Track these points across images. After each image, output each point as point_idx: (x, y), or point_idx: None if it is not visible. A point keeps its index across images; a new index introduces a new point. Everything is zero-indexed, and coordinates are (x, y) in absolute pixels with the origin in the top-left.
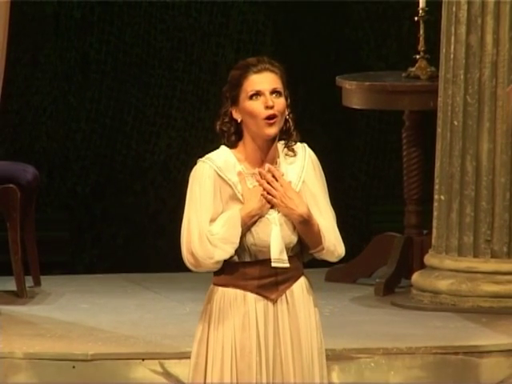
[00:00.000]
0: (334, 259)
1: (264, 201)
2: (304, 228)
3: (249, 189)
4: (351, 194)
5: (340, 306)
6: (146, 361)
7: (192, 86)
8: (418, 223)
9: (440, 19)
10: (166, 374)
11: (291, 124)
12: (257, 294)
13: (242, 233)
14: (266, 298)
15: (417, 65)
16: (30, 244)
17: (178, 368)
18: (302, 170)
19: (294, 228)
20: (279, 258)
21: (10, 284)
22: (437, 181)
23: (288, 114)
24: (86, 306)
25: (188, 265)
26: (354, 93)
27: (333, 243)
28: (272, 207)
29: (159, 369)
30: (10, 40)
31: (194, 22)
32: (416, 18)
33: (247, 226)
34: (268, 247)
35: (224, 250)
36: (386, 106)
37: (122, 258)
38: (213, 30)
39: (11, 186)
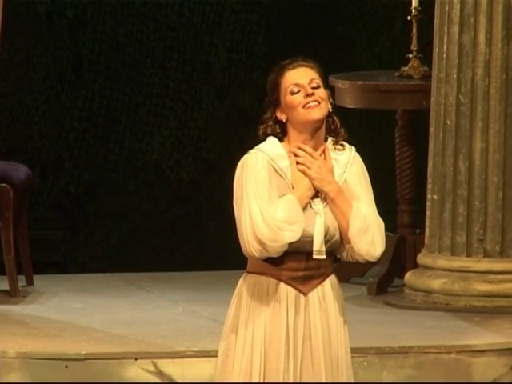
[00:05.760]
0: (367, 257)
1: (310, 184)
2: (338, 204)
3: (297, 172)
4: None
5: None
6: (138, 360)
7: (185, 86)
8: (410, 222)
9: (433, 18)
10: (159, 374)
11: (338, 122)
12: (289, 285)
13: None
14: (299, 290)
15: (410, 64)
16: (23, 243)
17: (170, 367)
18: (344, 169)
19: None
20: (320, 250)
21: (3, 283)
22: (429, 180)
23: (333, 113)
24: (79, 305)
25: (253, 253)
26: (347, 92)
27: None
28: (316, 196)
29: (152, 368)
30: (2, 39)
31: (186, 22)
32: (409, 18)
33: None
34: (311, 238)
35: (292, 231)
36: (378, 105)
37: (115, 257)
38: (206, 30)
39: (4, 185)
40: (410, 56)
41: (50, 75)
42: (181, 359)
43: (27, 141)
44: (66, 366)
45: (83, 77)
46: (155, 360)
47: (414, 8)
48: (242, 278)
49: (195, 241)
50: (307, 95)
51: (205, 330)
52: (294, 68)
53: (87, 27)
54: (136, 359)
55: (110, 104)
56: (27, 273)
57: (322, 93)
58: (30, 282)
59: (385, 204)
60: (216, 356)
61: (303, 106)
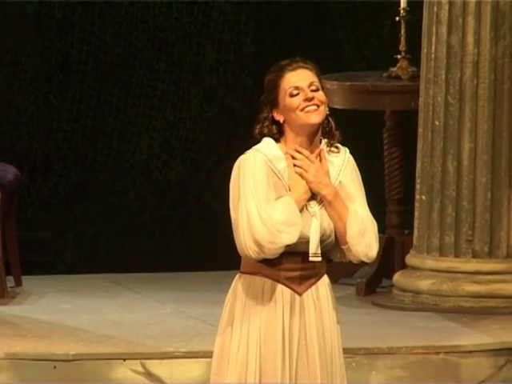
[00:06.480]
0: (364, 258)
1: (307, 187)
2: (335, 207)
3: (294, 175)
4: None
5: None
6: (127, 361)
7: (173, 86)
8: (399, 223)
9: (421, 19)
10: (148, 374)
11: (333, 124)
12: (284, 285)
13: None
14: (294, 290)
15: (398, 65)
16: (12, 244)
17: (159, 368)
18: (339, 171)
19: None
20: (316, 252)
21: None
22: (418, 181)
23: (328, 115)
24: (68, 306)
25: (249, 254)
26: (335, 93)
27: (357, 240)
28: (312, 199)
29: (140, 369)
30: None
31: (175, 22)
32: (397, 18)
33: None
34: (306, 239)
35: (290, 233)
36: (367, 106)
37: (103, 258)
38: (194, 30)
39: None
40: (399, 57)
41: (39, 76)
42: (169, 360)
43: (15, 142)
44: (55, 367)
45: (71, 78)
46: (144, 361)
47: (403, 9)
48: (236, 279)
49: (183, 241)
50: (307, 99)
51: (193, 331)
52: (293, 70)
53: (75, 28)
54: (124, 360)
55: (98, 105)
56: (15, 273)
57: (321, 96)
58: (18, 283)
59: (373, 205)
60: (204, 357)
61: (302, 110)
